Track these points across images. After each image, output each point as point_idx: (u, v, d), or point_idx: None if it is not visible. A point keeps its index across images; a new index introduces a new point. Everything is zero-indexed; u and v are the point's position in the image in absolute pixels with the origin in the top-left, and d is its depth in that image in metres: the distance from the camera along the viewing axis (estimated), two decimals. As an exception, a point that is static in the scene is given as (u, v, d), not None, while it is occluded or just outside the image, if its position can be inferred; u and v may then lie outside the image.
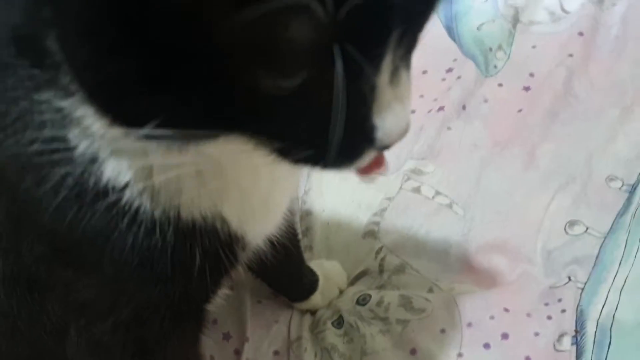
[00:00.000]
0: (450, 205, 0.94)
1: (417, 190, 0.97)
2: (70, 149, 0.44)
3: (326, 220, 0.96)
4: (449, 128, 1.02)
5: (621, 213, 0.90)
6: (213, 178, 0.47)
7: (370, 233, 0.94)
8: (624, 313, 0.81)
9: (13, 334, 0.58)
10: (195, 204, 0.49)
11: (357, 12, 0.32)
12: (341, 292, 0.90)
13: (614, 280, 0.84)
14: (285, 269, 0.83)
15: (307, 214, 0.97)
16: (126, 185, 0.46)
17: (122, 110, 0.38)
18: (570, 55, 1.07)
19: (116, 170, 0.45)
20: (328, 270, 0.90)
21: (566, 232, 0.89)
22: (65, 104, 0.43)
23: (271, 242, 0.64)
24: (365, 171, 0.44)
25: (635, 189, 0.92)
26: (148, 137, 0.37)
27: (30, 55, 0.43)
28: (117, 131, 0.40)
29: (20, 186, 0.47)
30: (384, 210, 0.95)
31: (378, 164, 0.44)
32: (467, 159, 0.98)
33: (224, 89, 0.34)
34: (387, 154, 0.45)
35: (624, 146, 0.97)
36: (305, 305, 0.88)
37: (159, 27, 0.32)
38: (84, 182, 0.46)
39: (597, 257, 0.86)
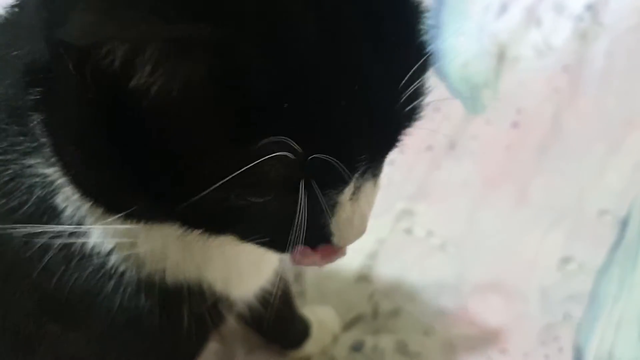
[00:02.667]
0: (442, 246, 0.94)
1: (409, 231, 0.96)
2: (57, 213, 0.46)
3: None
4: (438, 167, 1.02)
5: (614, 247, 0.90)
6: (195, 245, 0.48)
7: (363, 277, 0.93)
8: (621, 349, 0.81)
9: None
10: (179, 267, 0.50)
11: (322, 161, 0.37)
12: (335, 338, 0.88)
13: (609, 316, 0.83)
14: (277, 319, 0.82)
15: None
16: (111, 251, 0.48)
17: (101, 201, 0.42)
18: (557, 90, 1.08)
19: (101, 236, 0.47)
20: (321, 316, 0.89)
21: (559, 269, 0.89)
22: (48, 171, 0.45)
23: (262, 296, 0.64)
24: (324, 257, 0.46)
25: (626, 222, 0.92)
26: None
27: (19, 124, 0.45)
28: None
29: (9, 245, 0.48)
30: (376, 253, 0.94)
31: (337, 252, 0.46)
32: (458, 198, 0.98)
33: (195, 199, 0.37)
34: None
35: (613, 179, 0.97)
36: (298, 353, 0.86)
37: (140, 140, 0.36)
38: (70, 244, 0.47)
39: (591, 293, 0.86)
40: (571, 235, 0.92)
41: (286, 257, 0.46)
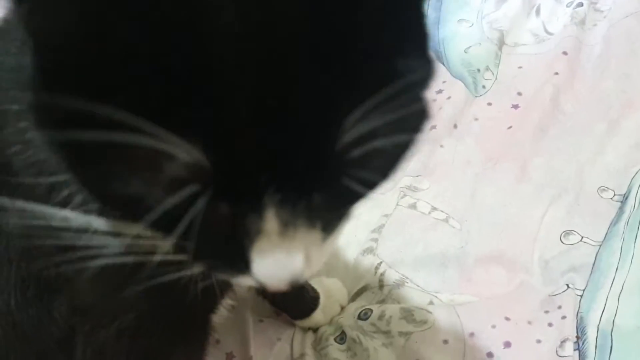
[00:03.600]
0: (446, 220, 0.95)
1: (413, 206, 0.98)
2: None
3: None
4: (441, 146, 1.04)
5: (614, 222, 0.92)
6: None
7: (369, 250, 0.94)
8: (623, 318, 0.81)
9: (21, 344, 0.58)
10: None
11: (223, 168, 0.32)
12: (342, 308, 0.90)
13: (611, 286, 0.85)
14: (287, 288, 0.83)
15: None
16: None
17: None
18: (556, 73, 1.10)
19: None
20: (329, 287, 0.90)
21: (562, 242, 0.91)
22: None
23: None
24: None
25: (626, 198, 0.94)
26: None
27: None
28: None
29: (34, 191, 0.48)
30: (381, 227, 0.96)
31: None
32: (461, 175, 1.00)
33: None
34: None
35: (613, 158, 0.99)
36: (307, 322, 0.88)
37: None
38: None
39: (593, 264, 0.88)
40: (572, 210, 0.94)
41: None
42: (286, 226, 0.35)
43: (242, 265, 0.37)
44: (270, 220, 0.35)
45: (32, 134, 0.46)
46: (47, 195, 0.48)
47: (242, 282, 0.40)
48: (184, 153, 0.31)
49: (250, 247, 0.36)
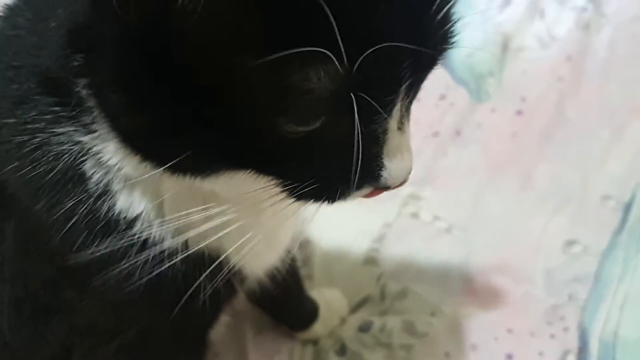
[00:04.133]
0: (449, 229, 0.95)
1: (415, 215, 0.97)
2: (85, 180, 0.47)
3: (326, 248, 0.96)
4: (444, 153, 1.03)
5: (617, 231, 0.91)
6: (217, 214, 0.49)
7: (371, 260, 0.94)
8: (626, 329, 0.81)
9: None
10: (201, 236, 0.50)
11: (371, 64, 0.35)
12: (343, 320, 0.89)
13: (614, 297, 0.84)
14: (286, 299, 0.83)
15: (306, 243, 0.97)
16: (137, 217, 0.49)
17: (151, 150, 0.43)
18: (560, 78, 1.09)
19: (128, 202, 0.48)
20: (329, 298, 0.90)
21: (564, 252, 0.90)
22: (85, 139, 0.46)
23: (272, 274, 0.65)
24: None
25: (629, 206, 0.93)
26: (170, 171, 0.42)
27: (54, 94, 0.46)
28: (135, 166, 0.45)
29: (33, 209, 0.49)
30: (383, 236, 0.96)
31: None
32: (464, 183, 0.99)
33: (244, 132, 0.39)
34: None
35: (616, 165, 0.98)
36: (306, 334, 0.87)
37: (185, 77, 0.37)
38: (95, 210, 0.48)
39: (596, 275, 0.87)
40: (575, 219, 0.93)
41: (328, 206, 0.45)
42: (402, 123, 0.41)
43: (371, 173, 0.42)
44: (394, 118, 0.40)
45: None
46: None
47: (360, 194, 0.44)
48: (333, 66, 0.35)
49: (381, 149, 0.41)
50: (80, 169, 0.47)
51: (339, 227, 0.98)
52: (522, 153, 1.02)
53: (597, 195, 0.96)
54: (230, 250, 0.53)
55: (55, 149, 0.47)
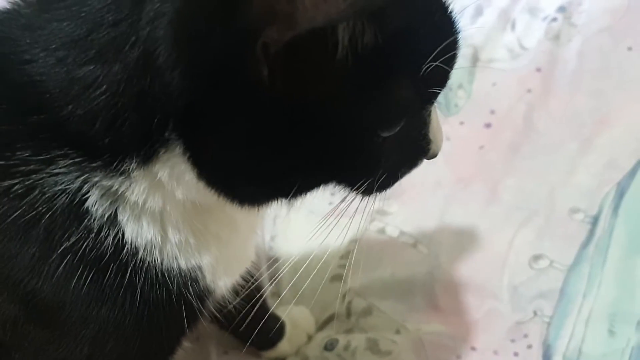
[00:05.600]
0: (414, 245, 0.95)
1: (382, 230, 0.97)
2: (86, 216, 0.48)
3: (293, 265, 0.96)
4: (411, 168, 1.03)
5: (584, 245, 0.91)
6: (201, 232, 0.53)
7: (338, 276, 0.93)
8: (590, 345, 0.81)
9: None
10: (185, 254, 0.53)
11: (439, 69, 0.46)
12: (309, 337, 0.89)
13: (578, 312, 0.84)
14: (250, 317, 0.82)
15: (274, 261, 0.97)
16: (139, 245, 0.50)
17: (247, 192, 0.49)
18: (529, 90, 1.09)
19: (135, 231, 0.50)
20: (295, 316, 0.89)
21: (531, 267, 0.90)
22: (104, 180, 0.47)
23: (235, 291, 0.66)
24: None
25: (596, 220, 0.92)
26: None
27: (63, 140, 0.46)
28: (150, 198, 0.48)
29: (6, 247, 0.48)
30: (350, 252, 0.95)
31: None
32: (431, 197, 0.99)
33: (341, 152, 0.47)
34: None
35: (584, 178, 0.98)
36: (273, 353, 0.87)
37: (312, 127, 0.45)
38: (94, 246, 0.48)
39: (561, 290, 0.87)
40: (542, 233, 0.93)
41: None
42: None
43: (422, 149, 0.53)
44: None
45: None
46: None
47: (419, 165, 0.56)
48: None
49: (428, 127, 0.53)
50: (80, 206, 0.48)
51: (307, 244, 0.98)
52: (489, 166, 1.01)
53: (565, 208, 0.95)
54: (206, 265, 0.55)
55: (50, 190, 0.47)
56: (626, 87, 1.05)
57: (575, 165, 0.99)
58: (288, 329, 0.87)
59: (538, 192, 0.97)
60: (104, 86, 0.43)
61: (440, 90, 0.49)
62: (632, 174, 0.94)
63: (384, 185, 0.53)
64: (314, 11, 0.37)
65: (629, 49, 1.08)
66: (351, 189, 0.52)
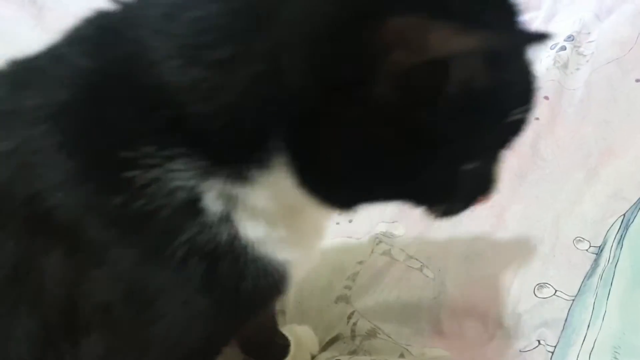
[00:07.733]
0: (420, 269, 0.95)
1: (388, 253, 0.97)
2: (201, 212, 0.50)
3: (299, 284, 0.96)
4: (419, 191, 1.03)
5: (589, 275, 0.91)
6: (296, 231, 0.57)
7: (343, 297, 0.94)
8: (593, 377, 0.81)
9: None
10: (283, 250, 0.56)
11: (520, 119, 0.53)
12: (313, 357, 0.89)
13: (582, 343, 0.84)
14: (259, 333, 0.83)
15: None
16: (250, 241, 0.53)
17: (344, 198, 0.54)
18: (537, 118, 1.10)
19: (247, 228, 0.52)
20: (300, 335, 0.90)
21: (535, 295, 0.90)
22: (224, 183, 0.50)
23: None
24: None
25: (601, 250, 0.93)
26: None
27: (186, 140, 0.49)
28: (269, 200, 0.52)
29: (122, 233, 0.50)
30: (356, 274, 0.96)
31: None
32: (437, 222, 0.99)
33: (432, 177, 0.52)
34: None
35: (590, 207, 0.98)
36: (276, 371, 0.87)
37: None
38: (209, 240, 0.51)
39: (566, 320, 0.87)
40: (547, 261, 0.93)
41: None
42: None
43: (486, 185, 0.61)
44: None
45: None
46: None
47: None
48: None
49: (494, 171, 0.60)
50: (195, 205, 0.50)
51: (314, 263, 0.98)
52: (496, 193, 1.02)
53: (570, 237, 0.96)
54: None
55: (169, 185, 0.49)
56: (633, 118, 1.07)
57: (581, 194, 1.00)
58: (292, 347, 0.87)
59: (543, 220, 0.98)
60: (230, 91, 0.46)
61: (517, 137, 0.54)
62: (638, 205, 0.95)
63: (454, 211, 0.61)
64: (444, 43, 0.41)
65: (637, 80, 1.10)
66: (426, 208, 0.60)
